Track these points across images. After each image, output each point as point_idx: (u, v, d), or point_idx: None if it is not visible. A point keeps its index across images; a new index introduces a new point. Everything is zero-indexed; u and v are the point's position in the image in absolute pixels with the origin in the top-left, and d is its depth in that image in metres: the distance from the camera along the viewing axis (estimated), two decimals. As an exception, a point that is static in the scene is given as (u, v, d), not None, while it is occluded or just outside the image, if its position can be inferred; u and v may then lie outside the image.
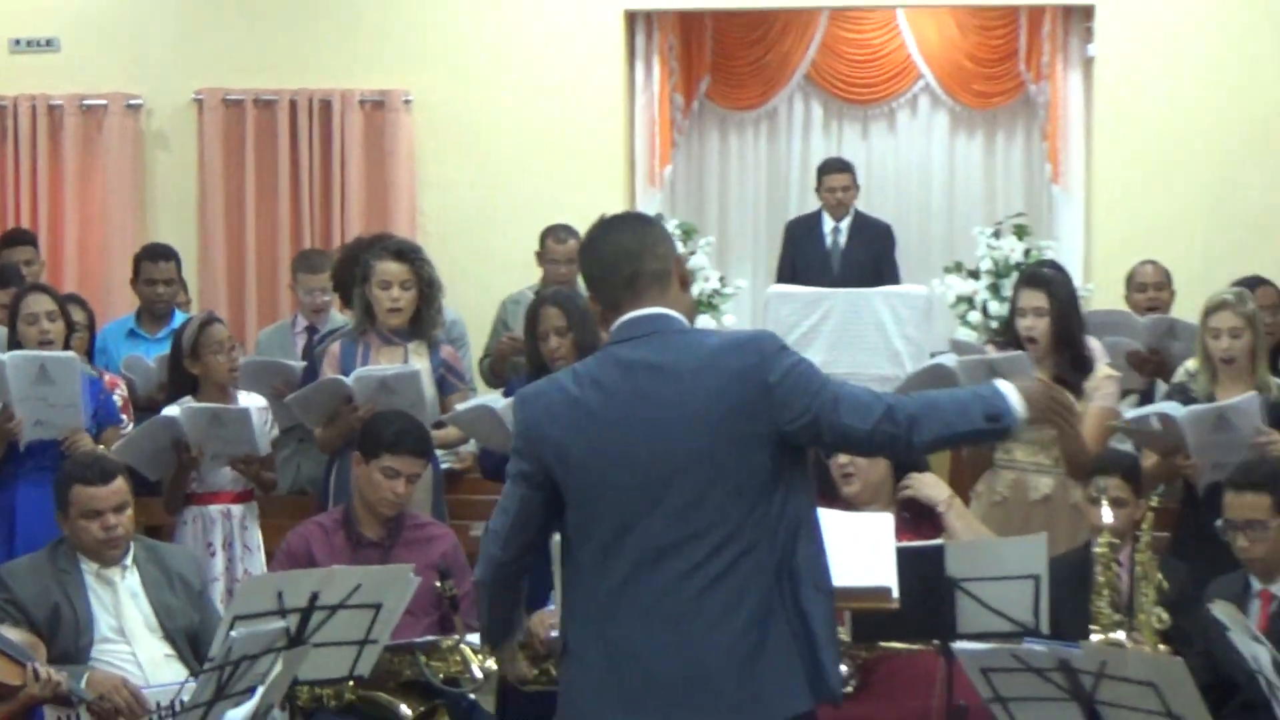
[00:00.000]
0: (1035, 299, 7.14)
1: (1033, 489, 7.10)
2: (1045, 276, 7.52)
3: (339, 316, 9.09)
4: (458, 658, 6.00)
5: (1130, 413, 7.04)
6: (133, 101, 11.75)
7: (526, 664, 4.88)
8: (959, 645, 5.39)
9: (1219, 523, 5.86)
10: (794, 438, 4.28)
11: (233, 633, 5.18)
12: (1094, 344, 7.67)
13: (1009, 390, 4.40)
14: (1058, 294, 7.20)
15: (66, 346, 7.37)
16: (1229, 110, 11.26)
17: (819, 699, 4.32)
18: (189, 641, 5.98)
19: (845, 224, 10.98)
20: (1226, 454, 6.59)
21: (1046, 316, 7.10)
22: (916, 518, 6.29)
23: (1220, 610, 5.25)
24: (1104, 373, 7.24)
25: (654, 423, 4.24)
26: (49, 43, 11.79)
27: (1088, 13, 11.78)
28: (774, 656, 4.25)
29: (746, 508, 4.24)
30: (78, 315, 7.84)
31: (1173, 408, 6.88)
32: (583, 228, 9.71)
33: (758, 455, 4.24)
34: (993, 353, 7.15)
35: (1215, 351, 6.96)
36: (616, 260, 4.40)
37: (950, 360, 7.37)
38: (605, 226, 4.52)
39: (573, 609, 4.45)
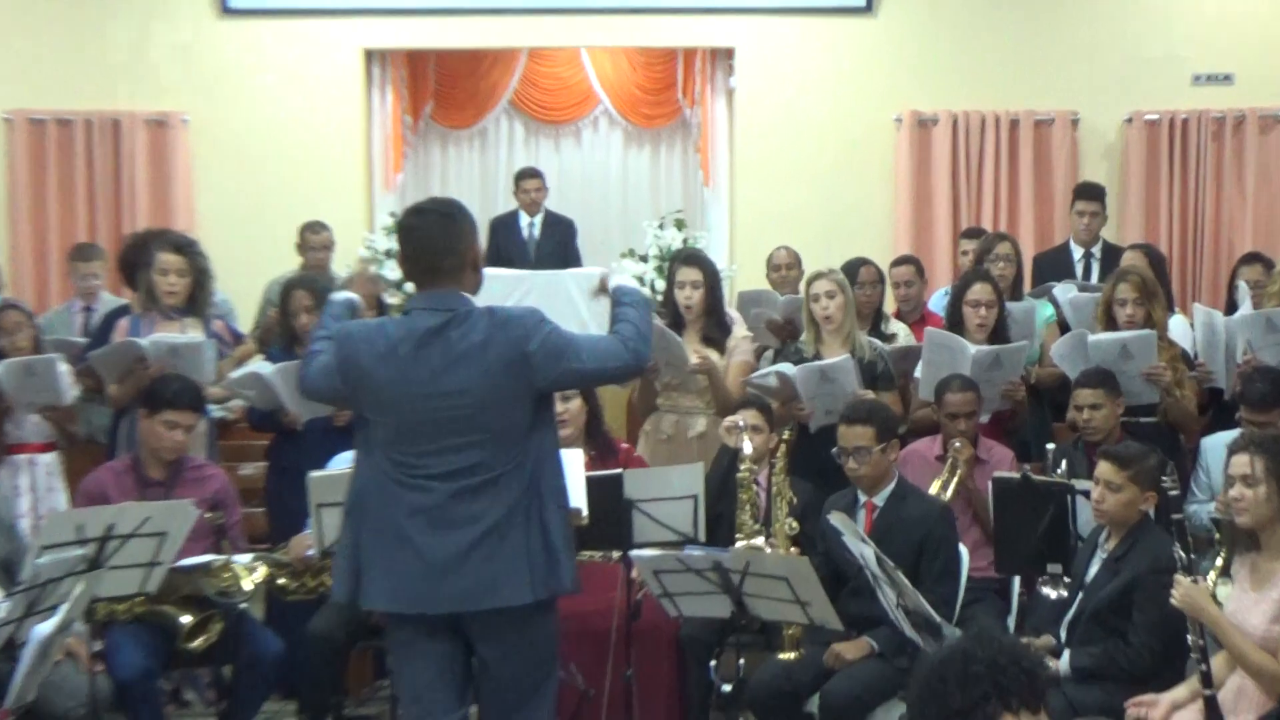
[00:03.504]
0: (692, 274, 7.17)
1: (691, 428, 7.13)
2: (700, 255, 7.57)
3: (108, 297, 8.84)
4: (229, 574, 5.84)
5: (754, 375, 7.06)
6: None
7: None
8: (635, 553, 5.40)
9: (834, 450, 5.93)
10: (549, 389, 4.50)
11: (39, 560, 5.00)
12: (733, 313, 7.75)
13: (621, 279, 4.92)
14: (708, 270, 7.24)
15: None
16: (836, 130, 11.47)
17: (554, 592, 4.47)
18: (2, 568, 5.72)
19: (538, 220, 10.94)
20: (833, 402, 6.70)
21: (701, 289, 7.13)
22: (602, 454, 6.28)
23: (836, 519, 5.34)
24: (740, 334, 7.33)
25: (440, 381, 4.36)
26: None
27: (730, 53, 11.88)
28: (509, 556, 4.38)
29: (503, 450, 4.40)
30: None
31: (786, 367, 6.97)
32: (333, 225, 9.68)
33: (516, 410, 4.42)
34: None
35: (817, 313, 7.04)
36: (420, 253, 4.50)
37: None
38: (417, 218, 4.57)
39: (365, 482, 4.51)
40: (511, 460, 4.41)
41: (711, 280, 7.21)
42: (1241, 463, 4.76)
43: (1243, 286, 7.97)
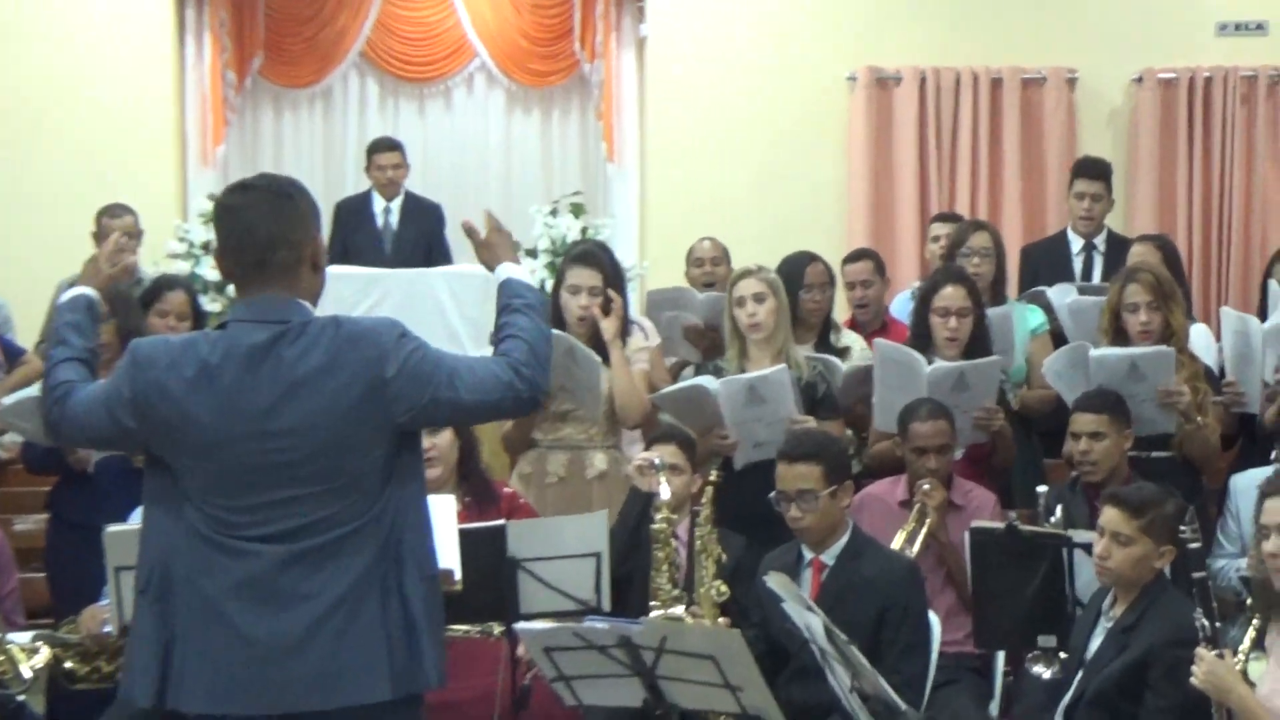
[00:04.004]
0: (587, 277, 7.17)
1: (589, 466, 7.14)
2: (596, 253, 7.57)
3: None
4: (2, 658, 5.79)
5: (662, 392, 7.08)
6: None
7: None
8: (522, 625, 5.41)
9: (772, 495, 5.95)
10: (411, 425, 4.35)
11: None
12: (642, 321, 7.76)
13: (512, 271, 4.74)
14: (608, 271, 7.26)
15: None
16: (779, 90, 11.57)
17: (413, 688, 4.34)
18: None
19: (396, 204, 10.95)
20: (765, 430, 6.75)
21: (599, 296, 7.14)
22: (479, 500, 6.28)
23: (774, 582, 5.36)
24: (639, 344, 7.32)
25: (272, 416, 4.22)
26: None
27: (640, -8, 11.97)
28: (361, 639, 4.27)
29: (353, 502, 4.28)
30: None
31: (708, 380, 6.99)
32: (137, 207, 9.59)
33: (371, 452, 4.28)
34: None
35: (742, 320, 7.06)
36: (243, 243, 4.33)
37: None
38: (241, 197, 4.40)
39: (167, 546, 4.34)
40: (363, 515, 4.30)
41: (612, 283, 7.22)
42: (1279, 508, 4.83)
43: (1274, 286, 8.05)
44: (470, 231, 4.81)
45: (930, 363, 7.05)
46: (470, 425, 6.05)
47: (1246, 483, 6.46)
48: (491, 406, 4.45)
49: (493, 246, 4.79)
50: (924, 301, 7.35)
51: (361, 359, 4.25)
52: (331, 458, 4.26)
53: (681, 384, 7.09)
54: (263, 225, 4.32)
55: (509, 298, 4.59)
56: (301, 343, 4.26)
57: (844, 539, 5.93)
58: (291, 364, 4.24)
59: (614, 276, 7.28)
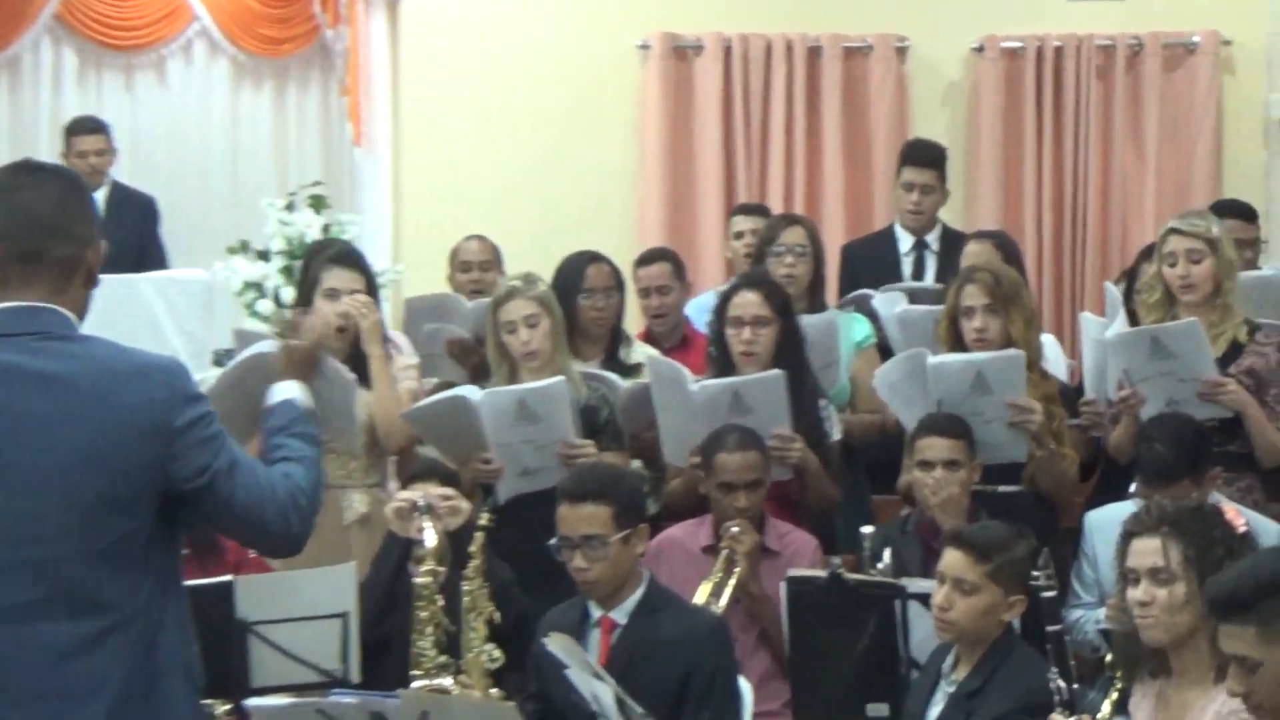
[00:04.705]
0: (352, 280, 7.13)
1: (347, 508, 7.06)
2: (358, 253, 7.54)
3: None
4: None
5: (415, 408, 7.03)
6: None
7: None
8: (254, 702, 5.36)
9: (552, 541, 5.94)
10: (180, 500, 4.09)
11: None
12: (396, 337, 7.74)
13: (292, 393, 4.52)
14: (370, 275, 7.24)
15: None
16: (558, 62, 11.58)
17: None
18: None
19: (100, 196, 10.79)
20: (535, 456, 6.80)
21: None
22: (200, 552, 6.20)
23: (555, 645, 5.36)
24: (402, 363, 7.33)
25: (21, 448, 3.98)
26: None
27: (391, -55, 11.94)
28: None
29: (121, 574, 4.02)
30: None
31: (469, 391, 6.99)
32: None
33: (139, 515, 4.03)
34: None
35: (514, 348, 7.07)
36: (19, 227, 4.06)
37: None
38: (25, 178, 4.15)
39: None
40: (129, 600, 4.05)
41: (373, 290, 7.21)
42: (1149, 550, 4.83)
43: (1111, 291, 8.17)
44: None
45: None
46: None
47: (1102, 520, 6.58)
48: (256, 524, 4.22)
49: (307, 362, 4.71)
50: (719, 311, 7.37)
51: (145, 398, 4.03)
52: (95, 510, 4.00)
53: (438, 396, 7.05)
54: (45, 209, 4.09)
55: (288, 419, 4.48)
56: (69, 364, 4.02)
57: (638, 593, 5.95)
58: (51, 389, 4.00)
59: (371, 281, 7.27)
